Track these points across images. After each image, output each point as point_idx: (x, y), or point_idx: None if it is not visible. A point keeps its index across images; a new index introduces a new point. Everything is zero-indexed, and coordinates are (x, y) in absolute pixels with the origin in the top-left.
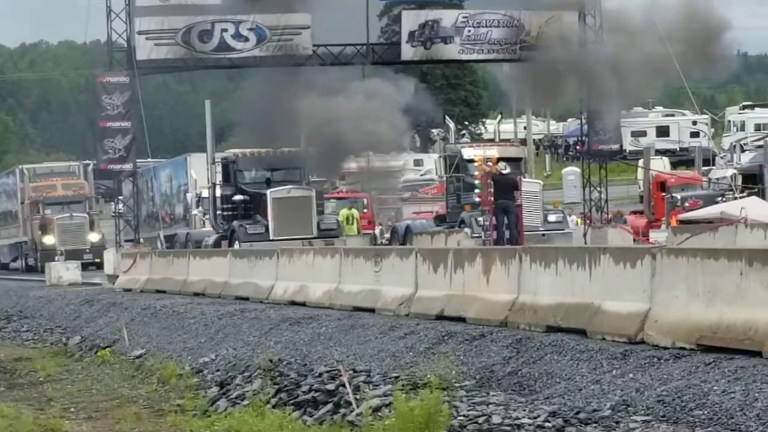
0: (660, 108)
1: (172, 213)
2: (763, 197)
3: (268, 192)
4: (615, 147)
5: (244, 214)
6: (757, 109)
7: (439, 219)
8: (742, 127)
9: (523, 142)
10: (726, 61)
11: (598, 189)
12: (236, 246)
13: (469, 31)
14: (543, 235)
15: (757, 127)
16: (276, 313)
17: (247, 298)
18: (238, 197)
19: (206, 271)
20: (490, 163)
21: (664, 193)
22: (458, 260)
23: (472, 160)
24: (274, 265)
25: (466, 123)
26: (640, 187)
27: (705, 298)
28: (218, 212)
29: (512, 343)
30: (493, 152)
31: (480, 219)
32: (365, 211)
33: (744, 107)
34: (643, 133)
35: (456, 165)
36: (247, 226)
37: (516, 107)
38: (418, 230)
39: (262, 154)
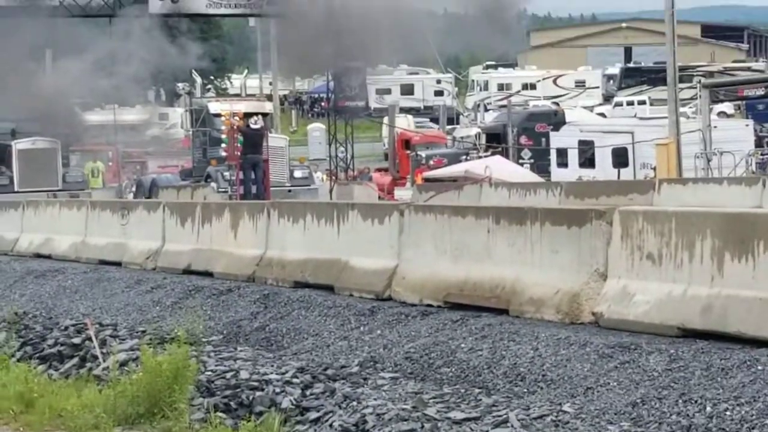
0: (405, 66)
1: None
2: (506, 156)
3: (12, 143)
4: (361, 104)
5: None
6: (500, 69)
7: (185, 173)
8: (486, 87)
9: (269, 97)
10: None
11: (344, 146)
12: None
13: None
14: (289, 190)
15: (500, 87)
16: (21, 266)
17: None
18: None
19: None
20: (237, 118)
21: (408, 151)
22: (206, 214)
23: (219, 115)
24: (19, 217)
25: (212, 77)
26: (385, 145)
27: (453, 256)
28: None
29: (260, 298)
30: (240, 107)
31: (226, 173)
32: (110, 164)
33: (487, 67)
34: (388, 91)
35: (202, 119)
36: None
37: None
38: (164, 184)
39: (8, 104)
